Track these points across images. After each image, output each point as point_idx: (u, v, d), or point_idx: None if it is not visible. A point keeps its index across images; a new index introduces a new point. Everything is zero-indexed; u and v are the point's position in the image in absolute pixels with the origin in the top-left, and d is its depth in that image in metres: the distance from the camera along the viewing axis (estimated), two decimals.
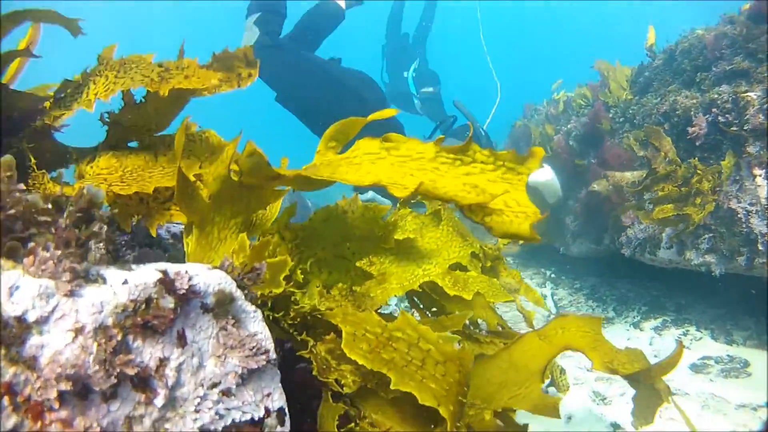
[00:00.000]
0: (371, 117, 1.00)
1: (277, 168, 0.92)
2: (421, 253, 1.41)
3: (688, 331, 3.13)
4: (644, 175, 2.85)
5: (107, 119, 1.23)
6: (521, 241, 0.85)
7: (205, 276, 0.62)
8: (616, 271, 3.89)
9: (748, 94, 2.25)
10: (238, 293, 0.67)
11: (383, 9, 5.92)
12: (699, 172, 2.57)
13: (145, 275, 0.55)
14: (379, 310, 1.24)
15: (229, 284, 0.65)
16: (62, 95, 1.23)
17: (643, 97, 3.01)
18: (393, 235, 1.27)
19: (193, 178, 0.99)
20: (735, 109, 2.30)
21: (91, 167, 1.16)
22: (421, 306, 1.57)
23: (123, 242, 1.29)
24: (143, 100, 1.21)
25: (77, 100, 1.18)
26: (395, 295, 1.27)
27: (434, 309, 1.55)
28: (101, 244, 0.55)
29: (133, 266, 0.57)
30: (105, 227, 0.55)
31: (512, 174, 0.86)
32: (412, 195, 0.83)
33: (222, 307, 0.63)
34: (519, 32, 25.18)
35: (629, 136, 3.05)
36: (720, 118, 2.35)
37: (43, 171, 1.10)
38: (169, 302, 0.55)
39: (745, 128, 2.27)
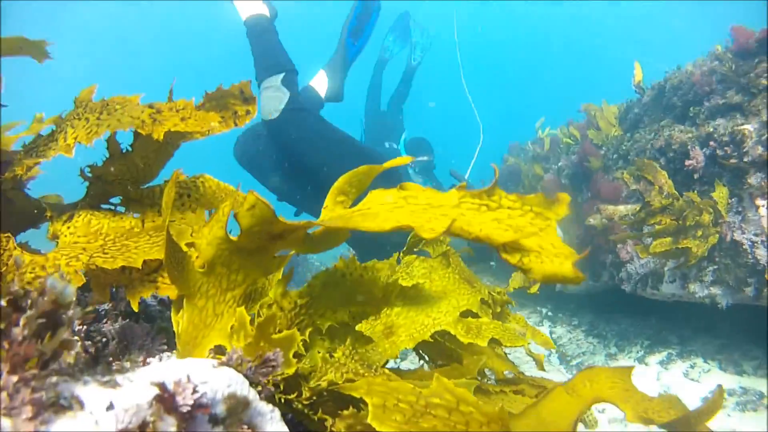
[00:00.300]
0: (387, 164, 0.91)
1: (287, 220, 0.80)
2: (430, 301, 1.32)
3: (695, 363, 3.03)
4: (638, 209, 2.80)
5: (89, 174, 1.10)
6: (560, 284, 0.75)
7: (213, 380, 0.50)
8: (613, 305, 3.81)
9: (745, 126, 2.23)
10: (252, 394, 0.54)
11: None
12: (698, 204, 2.53)
13: (137, 393, 0.42)
14: (386, 365, 1.13)
15: (240, 385, 0.53)
16: (34, 145, 1.09)
17: (636, 133, 2.99)
18: (394, 296, 1.16)
19: (185, 248, 0.85)
20: (732, 141, 2.28)
21: (68, 227, 1.04)
22: (427, 358, 1.46)
23: (103, 311, 1.15)
24: (129, 149, 1.09)
25: (52, 147, 1.05)
26: (406, 348, 1.17)
27: (440, 361, 1.44)
28: (74, 351, 0.42)
29: (119, 378, 0.45)
30: (77, 339, 0.43)
31: (541, 219, 0.77)
32: (441, 234, 0.74)
33: (235, 416, 0.51)
34: (500, 68, 25.77)
35: (623, 171, 3.01)
36: (718, 151, 2.32)
37: (8, 234, 0.95)
38: (170, 425, 0.42)
39: (744, 160, 2.24)
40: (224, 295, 0.89)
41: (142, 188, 1.16)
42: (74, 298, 0.44)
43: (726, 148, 2.29)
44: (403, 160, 0.95)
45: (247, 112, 1.13)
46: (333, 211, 0.93)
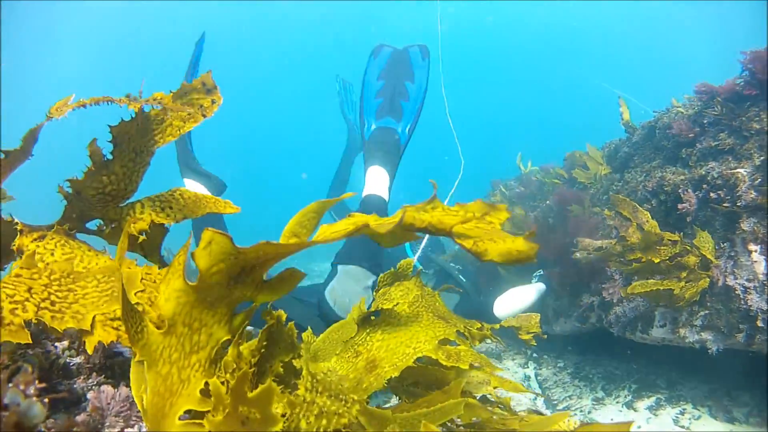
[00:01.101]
0: (338, 199, 0.97)
1: (246, 247, 0.75)
2: (409, 332, 1.31)
3: (684, 409, 2.97)
4: (614, 243, 2.77)
5: (68, 189, 1.06)
6: (516, 262, 0.71)
7: None
8: (598, 347, 3.76)
9: (738, 170, 2.24)
10: None
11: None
12: (683, 245, 2.51)
13: None
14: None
15: None
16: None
17: (627, 173, 2.99)
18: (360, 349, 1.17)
19: (134, 297, 0.78)
20: (726, 185, 2.28)
21: (38, 246, 1.00)
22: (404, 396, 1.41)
23: (74, 365, 1.02)
24: (110, 156, 1.07)
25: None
26: (392, 376, 1.14)
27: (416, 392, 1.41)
28: None
29: None
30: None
31: (484, 223, 0.81)
32: (397, 227, 0.78)
33: None
34: (479, 104, 26.19)
35: (604, 209, 3.00)
36: (711, 194, 2.31)
37: None
38: None
39: (738, 204, 2.23)
40: (189, 359, 0.83)
41: (122, 207, 1.14)
42: (42, 419, 0.34)
43: (719, 191, 2.29)
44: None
45: (213, 102, 1.16)
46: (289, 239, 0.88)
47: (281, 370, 0.97)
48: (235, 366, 0.88)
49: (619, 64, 24.82)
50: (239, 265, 0.78)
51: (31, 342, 0.79)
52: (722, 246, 2.42)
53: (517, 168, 5.18)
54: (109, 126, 1.05)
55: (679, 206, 2.40)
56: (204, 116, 1.13)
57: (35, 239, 1.00)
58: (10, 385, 0.74)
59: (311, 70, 27.34)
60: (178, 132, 1.12)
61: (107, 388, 0.88)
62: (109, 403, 0.87)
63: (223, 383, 0.78)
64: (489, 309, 3.83)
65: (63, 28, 18.25)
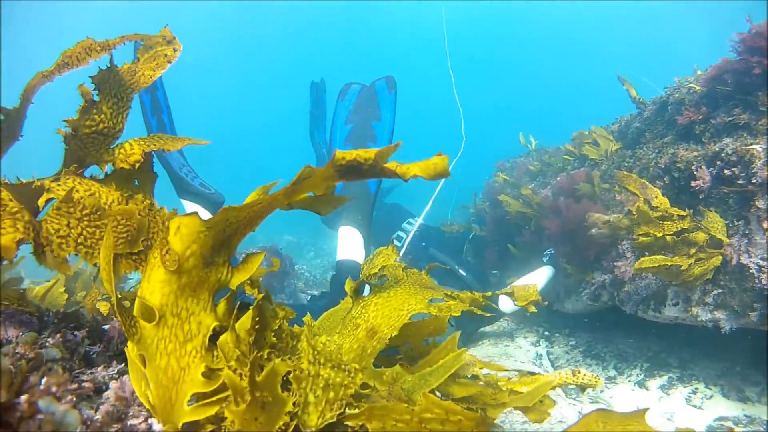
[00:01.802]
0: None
1: (207, 220, 0.81)
2: (400, 295, 1.39)
3: (696, 389, 2.95)
4: (621, 217, 2.73)
5: (67, 130, 1.19)
6: (432, 176, 0.85)
7: None
8: (610, 325, 3.74)
9: (753, 147, 2.17)
10: None
11: None
12: (695, 223, 2.46)
13: None
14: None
15: None
16: None
17: (638, 150, 2.93)
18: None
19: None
20: (740, 162, 2.22)
21: (58, 185, 1.10)
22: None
23: (93, 354, 1.04)
24: (96, 98, 1.22)
25: None
26: (391, 335, 1.20)
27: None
28: None
29: None
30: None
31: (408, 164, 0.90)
32: (329, 167, 0.86)
33: None
34: (484, 83, 25.83)
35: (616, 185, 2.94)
36: (725, 171, 2.25)
37: None
38: None
39: (753, 182, 2.17)
40: (184, 347, 0.87)
41: (113, 147, 1.26)
42: (78, 427, 0.34)
43: (734, 168, 2.23)
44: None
45: (175, 50, 1.34)
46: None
47: (274, 339, 0.99)
48: (238, 351, 0.89)
49: (619, 60, 24.49)
50: (210, 241, 0.82)
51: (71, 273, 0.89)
52: (736, 224, 2.37)
53: (519, 149, 5.11)
54: (90, 76, 1.21)
55: (693, 183, 2.34)
56: (169, 62, 1.31)
57: (53, 180, 1.09)
58: (41, 386, 0.76)
59: (315, 71, 27.18)
60: (150, 79, 1.29)
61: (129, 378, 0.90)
62: (132, 392, 0.88)
63: (234, 371, 0.80)
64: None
65: (63, 28, 18.28)
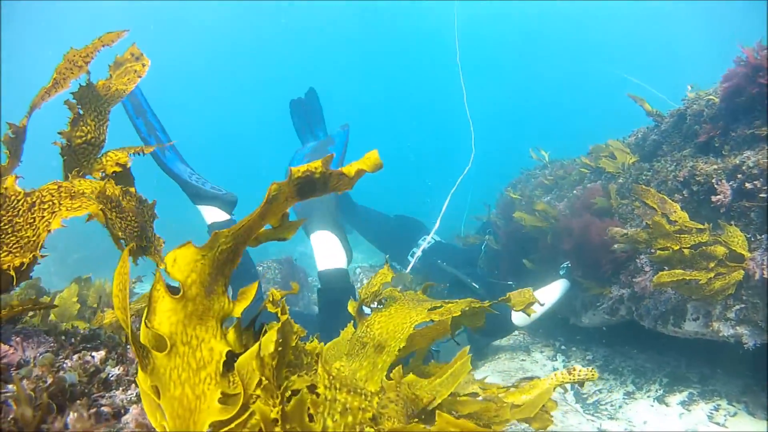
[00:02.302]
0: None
1: (200, 247, 0.81)
2: (401, 311, 1.42)
3: (719, 405, 2.89)
4: (639, 231, 2.70)
5: (62, 141, 1.30)
6: (376, 168, 0.96)
7: None
8: (627, 339, 3.69)
9: None
10: None
11: None
12: (709, 235, 2.42)
13: None
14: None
15: None
16: None
17: (656, 162, 2.90)
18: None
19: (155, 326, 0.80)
20: (762, 175, 2.19)
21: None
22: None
23: (113, 377, 1.03)
24: (81, 112, 1.34)
25: None
26: (399, 346, 1.22)
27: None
28: None
29: None
30: None
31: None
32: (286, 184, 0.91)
33: None
34: (493, 100, 25.81)
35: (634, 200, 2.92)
36: (747, 184, 2.22)
37: None
38: None
39: None
40: (198, 375, 0.86)
41: (100, 156, 1.40)
42: None
43: (755, 181, 2.20)
44: None
45: (143, 65, 1.48)
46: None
47: (292, 357, 1.01)
48: (259, 376, 0.89)
49: (624, 62, 24.46)
50: (207, 269, 0.84)
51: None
52: (759, 238, 2.33)
53: (531, 162, 5.06)
54: (72, 93, 1.33)
55: (713, 198, 2.31)
56: (139, 77, 1.46)
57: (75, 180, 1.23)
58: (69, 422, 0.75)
59: (316, 70, 27.30)
60: (123, 93, 1.42)
61: None
62: None
63: (260, 399, 0.80)
64: (507, 317, 3.83)
65: (63, 28, 18.47)
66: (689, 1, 18.08)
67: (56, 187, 1.05)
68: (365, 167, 0.92)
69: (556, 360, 3.75)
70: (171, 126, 3.57)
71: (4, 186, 1.02)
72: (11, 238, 0.96)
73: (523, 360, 3.68)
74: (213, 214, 3.48)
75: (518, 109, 27.00)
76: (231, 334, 0.86)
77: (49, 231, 0.95)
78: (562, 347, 3.89)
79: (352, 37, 26.42)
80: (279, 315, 0.97)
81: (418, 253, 4.26)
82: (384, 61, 28.28)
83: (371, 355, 1.17)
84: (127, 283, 0.78)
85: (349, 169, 0.92)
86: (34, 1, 16.95)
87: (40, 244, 0.95)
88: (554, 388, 1.48)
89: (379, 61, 28.26)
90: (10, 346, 0.95)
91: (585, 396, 3.35)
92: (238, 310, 0.88)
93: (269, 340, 0.90)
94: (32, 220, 0.98)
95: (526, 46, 25.34)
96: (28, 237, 0.96)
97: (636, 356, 3.59)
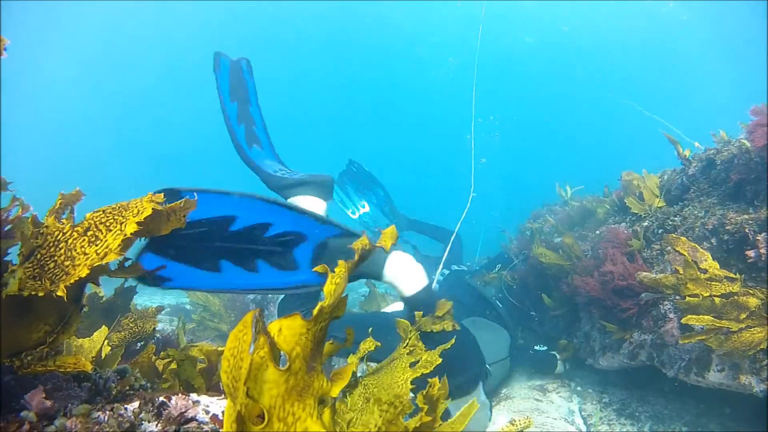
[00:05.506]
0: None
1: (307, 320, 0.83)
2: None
3: None
4: (667, 276, 2.66)
5: None
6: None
7: None
8: (645, 383, 3.61)
9: None
10: None
11: None
12: (746, 289, 2.38)
13: None
14: None
15: None
16: None
17: (685, 208, 2.87)
18: None
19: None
20: None
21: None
22: None
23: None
24: None
25: None
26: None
27: None
28: None
29: None
30: None
31: None
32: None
33: None
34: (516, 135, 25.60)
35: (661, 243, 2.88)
36: None
37: None
38: None
39: None
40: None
41: None
42: None
43: None
44: None
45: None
46: None
47: None
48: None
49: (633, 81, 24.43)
50: (310, 344, 0.81)
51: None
52: None
53: (554, 196, 5.05)
54: None
55: (747, 253, 2.28)
56: None
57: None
58: None
59: (315, 71, 27.23)
60: None
61: None
62: None
63: None
64: (552, 363, 3.84)
65: (63, 28, 18.52)
66: (689, 2, 17.95)
67: None
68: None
69: (572, 401, 3.67)
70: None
71: None
72: None
73: (538, 400, 3.61)
74: (307, 204, 2.99)
75: (549, 140, 27.01)
76: (326, 415, 0.83)
77: None
78: (578, 388, 3.81)
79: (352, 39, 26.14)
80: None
81: (436, 276, 4.17)
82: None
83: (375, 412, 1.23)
84: (246, 352, 0.74)
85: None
86: (34, 1, 17.02)
87: None
88: None
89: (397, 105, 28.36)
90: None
91: None
92: (336, 390, 0.87)
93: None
94: None
95: (560, 76, 25.25)
96: None
97: (654, 401, 3.50)
